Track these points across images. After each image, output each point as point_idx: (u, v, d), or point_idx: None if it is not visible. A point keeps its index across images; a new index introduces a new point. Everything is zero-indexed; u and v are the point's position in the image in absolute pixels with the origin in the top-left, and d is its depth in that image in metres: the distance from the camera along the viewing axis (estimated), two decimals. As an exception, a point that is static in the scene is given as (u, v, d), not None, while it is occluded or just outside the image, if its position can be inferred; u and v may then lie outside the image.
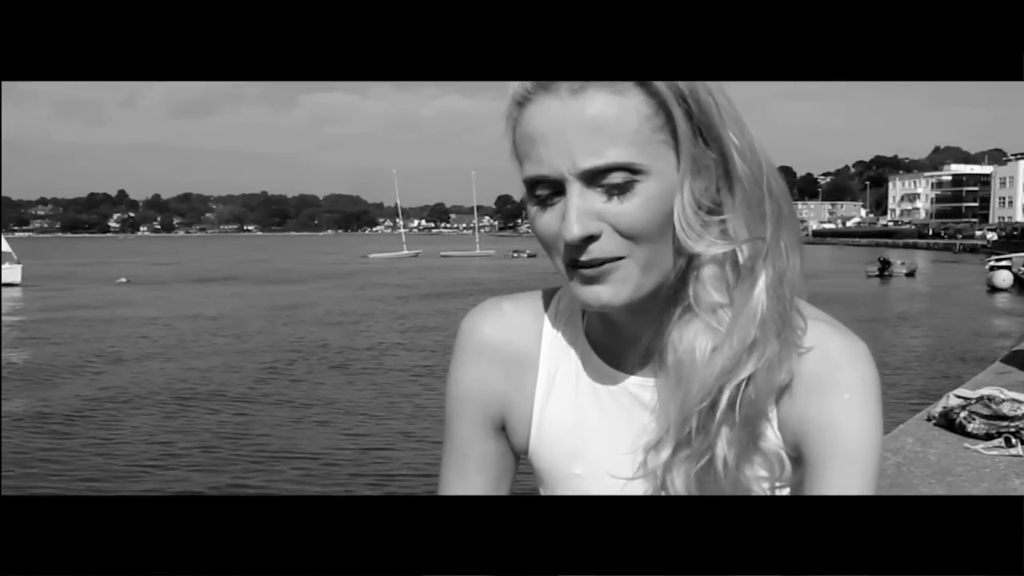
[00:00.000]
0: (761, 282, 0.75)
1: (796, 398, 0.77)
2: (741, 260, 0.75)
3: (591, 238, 0.72)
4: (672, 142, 0.72)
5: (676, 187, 0.73)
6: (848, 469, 0.75)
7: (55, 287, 33.67)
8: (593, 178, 0.71)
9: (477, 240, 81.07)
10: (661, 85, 0.71)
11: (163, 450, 9.39)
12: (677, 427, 0.77)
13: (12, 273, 34.10)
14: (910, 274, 38.07)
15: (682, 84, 0.72)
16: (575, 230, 0.71)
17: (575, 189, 0.72)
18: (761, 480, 0.79)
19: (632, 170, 0.71)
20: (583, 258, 0.73)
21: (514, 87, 0.75)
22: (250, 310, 25.21)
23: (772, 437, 0.78)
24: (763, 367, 0.75)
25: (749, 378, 0.75)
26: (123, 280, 39.07)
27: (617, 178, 0.71)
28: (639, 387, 0.82)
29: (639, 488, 0.80)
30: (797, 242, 0.78)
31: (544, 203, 0.74)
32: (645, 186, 0.72)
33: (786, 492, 0.80)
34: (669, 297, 0.77)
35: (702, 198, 0.74)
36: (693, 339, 0.76)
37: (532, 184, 0.74)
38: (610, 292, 0.74)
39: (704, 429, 0.75)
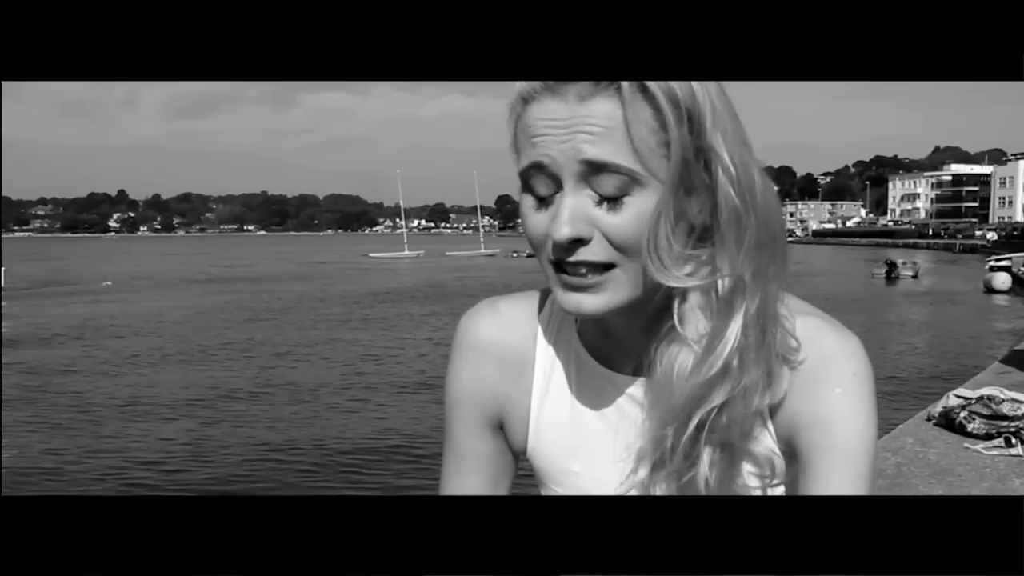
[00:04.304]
0: (739, 313, 0.73)
1: (788, 393, 0.77)
2: (721, 289, 0.74)
3: (579, 241, 0.71)
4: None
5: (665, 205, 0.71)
6: (841, 464, 0.75)
7: (34, 295, 32.09)
8: (591, 176, 0.70)
9: (482, 240, 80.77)
10: (666, 103, 0.70)
11: (141, 458, 9.24)
12: (655, 444, 0.77)
13: None
14: (915, 276, 38.09)
15: (689, 102, 0.70)
16: (565, 231, 0.71)
17: (570, 186, 0.71)
18: (751, 490, 0.79)
19: (631, 176, 0.70)
20: (569, 259, 0.72)
21: (520, 85, 0.73)
22: (243, 311, 25.09)
23: (765, 436, 0.78)
24: (739, 394, 0.74)
25: (724, 405, 0.74)
26: (107, 283, 38.45)
27: (613, 183, 0.70)
28: (632, 386, 0.83)
29: (636, 485, 0.80)
30: (784, 269, 0.76)
31: (538, 199, 0.73)
32: (639, 199, 0.71)
33: (781, 490, 0.80)
34: (660, 308, 0.76)
35: (694, 219, 0.73)
36: (675, 358, 0.75)
37: (527, 176, 0.73)
38: (592, 301, 0.74)
39: (682, 450, 0.75)
